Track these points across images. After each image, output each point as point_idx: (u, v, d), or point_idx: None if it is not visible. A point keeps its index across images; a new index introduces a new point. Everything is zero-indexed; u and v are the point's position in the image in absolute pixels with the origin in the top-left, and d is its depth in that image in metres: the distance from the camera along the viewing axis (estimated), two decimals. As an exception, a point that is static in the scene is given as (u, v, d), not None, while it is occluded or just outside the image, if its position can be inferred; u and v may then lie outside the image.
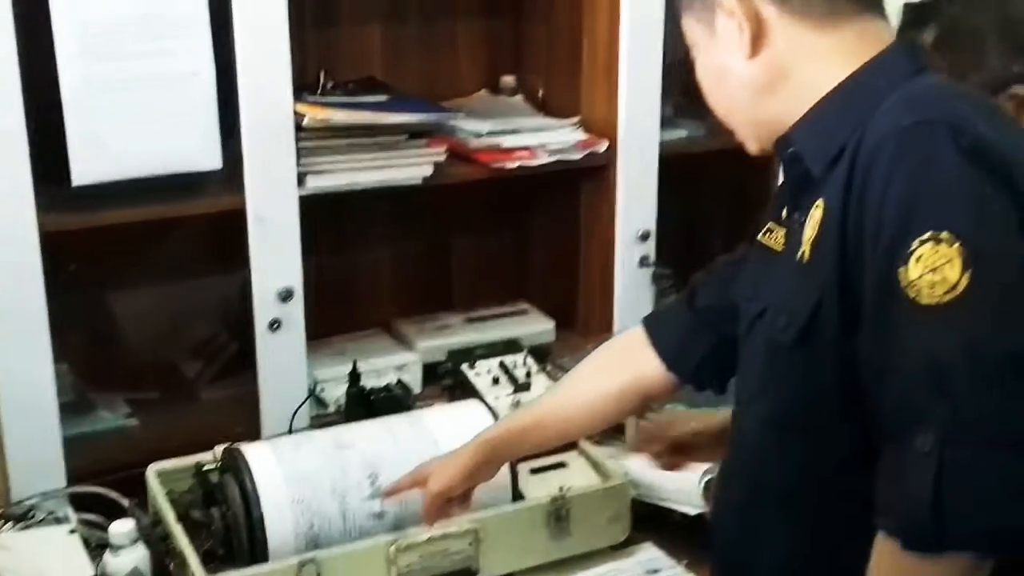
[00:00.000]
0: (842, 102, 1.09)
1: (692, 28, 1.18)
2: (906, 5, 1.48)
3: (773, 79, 1.11)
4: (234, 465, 1.43)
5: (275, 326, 1.80)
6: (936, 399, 0.94)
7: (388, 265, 2.28)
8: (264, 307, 1.79)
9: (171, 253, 1.96)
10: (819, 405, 1.09)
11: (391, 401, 1.66)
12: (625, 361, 1.42)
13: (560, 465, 1.65)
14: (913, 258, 0.95)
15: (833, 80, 1.09)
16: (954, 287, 0.94)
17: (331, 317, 2.07)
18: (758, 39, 1.10)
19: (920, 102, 1.02)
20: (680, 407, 1.69)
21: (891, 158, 0.98)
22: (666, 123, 2.13)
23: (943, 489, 0.93)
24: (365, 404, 1.68)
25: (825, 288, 1.05)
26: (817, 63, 1.10)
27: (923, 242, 0.95)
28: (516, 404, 1.68)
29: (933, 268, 0.94)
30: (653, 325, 1.42)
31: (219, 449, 1.55)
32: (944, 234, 0.94)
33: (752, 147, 1.22)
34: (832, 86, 1.09)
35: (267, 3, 1.68)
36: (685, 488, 1.58)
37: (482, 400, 1.62)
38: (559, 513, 1.51)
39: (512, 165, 1.96)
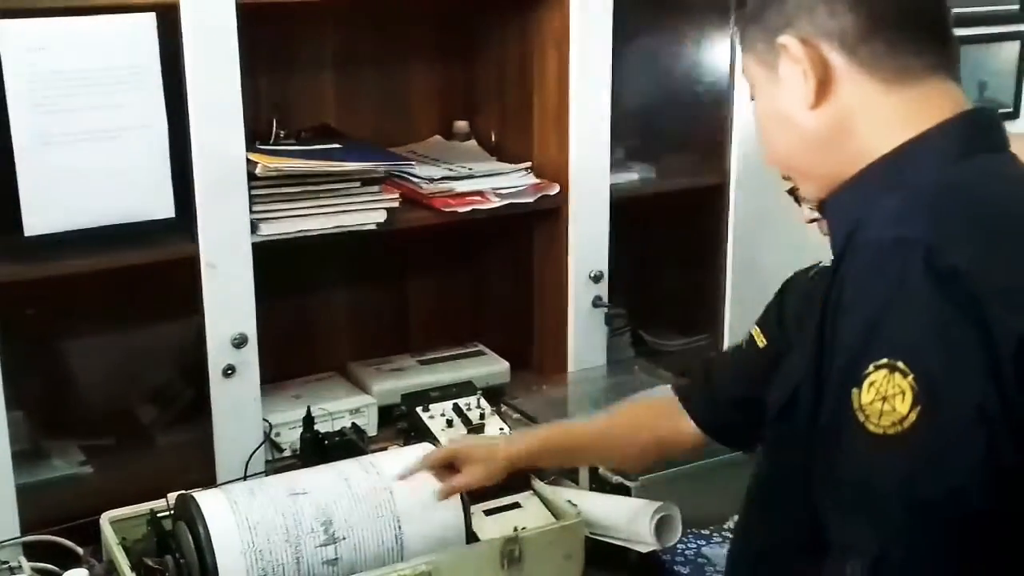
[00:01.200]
0: (873, 176, 1.03)
1: (753, 69, 1.12)
2: None
3: (833, 133, 1.05)
4: (187, 513, 1.43)
5: (229, 372, 1.81)
6: (869, 529, 0.92)
7: (344, 309, 2.29)
8: (218, 353, 1.80)
9: (125, 301, 1.96)
10: (788, 483, 1.08)
11: (346, 445, 1.67)
12: (661, 420, 1.59)
13: (514, 505, 1.66)
14: (867, 382, 0.91)
15: (888, 145, 1.02)
16: (902, 421, 0.89)
17: (286, 361, 2.09)
18: (823, 89, 1.04)
19: (915, 212, 0.96)
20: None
21: (867, 271, 0.95)
22: (617, 166, 2.18)
23: None
24: (320, 448, 1.69)
25: (806, 371, 1.02)
26: (878, 123, 1.03)
27: (878, 367, 0.90)
28: (472, 443, 1.69)
29: (884, 397, 0.90)
30: (684, 394, 1.59)
31: (172, 497, 1.55)
32: (900, 364, 0.89)
33: (811, 196, 1.16)
34: (884, 152, 1.02)
35: (219, 54, 1.71)
36: (637, 527, 1.60)
37: (436, 443, 1.63)
38: (513, 553, 1.53)
39: (464, 210, 1.99)
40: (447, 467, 1.54)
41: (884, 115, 1.04)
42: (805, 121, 1.06)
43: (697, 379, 1.59)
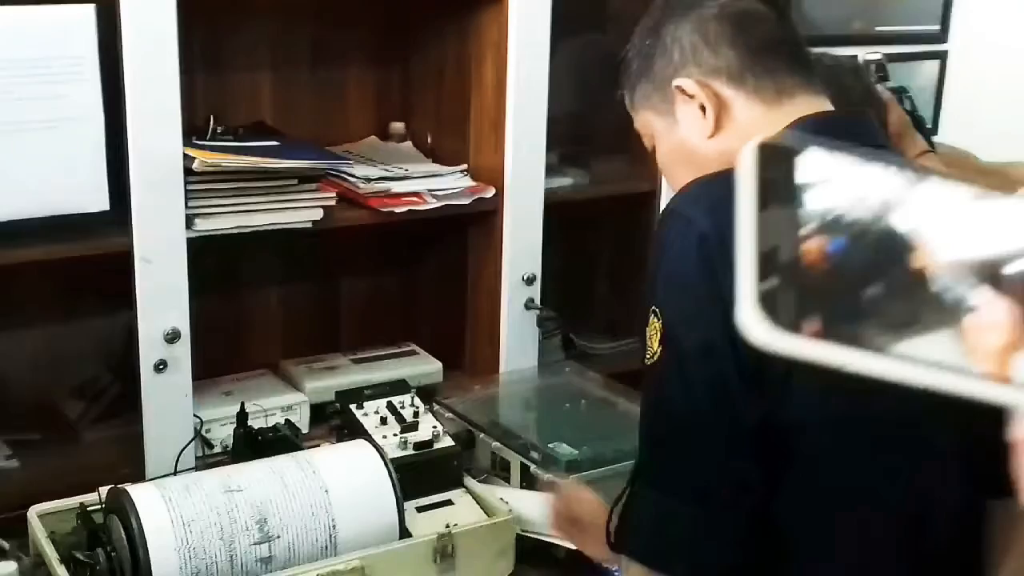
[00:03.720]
0: None
1: (650, 121, 1.24)
2: None
3: (731, 154, 1.14)
4: (120, 507, 1.42)
5: (161, 367, 1.80)
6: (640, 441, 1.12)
7: (277, 307, 2.29)
8: (150, 348, 1.79)
9: (54, 294, 1.94)
10: None
11: (280, 442, 1.68)
12: None
13: (447, 503, 1.69)
14: (647, 324, 1.09)
15: None
16: (655, 355, 1.07)
17: (218, 358, 2.08)
18: (720, 118, 1.17)
19: (692, 190, 1.11)
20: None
21: (654, 236, 1.13)
22: (551, 171, 2.20)
23: (622, 512, 1.13)
24: (253, 445, 1.69)
25: None
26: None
27: (651, 312, 1.08)
28: (404, 443, 1.71)
29: (651, 336, 1.08)
30: None
31: (104, 490, 1.54)
32: (657, 310, 1.07)
33: None
34: None
35: (158, 48, 1.70)
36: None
37: (369, 440, 1.64)
38: (445, 549, 1.55)
39: (401, 210, 2.01)
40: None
41: (767, 131, 1.12)
42: (706, 150, 1.19)
43: None
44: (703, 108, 1.17)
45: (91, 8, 1.65)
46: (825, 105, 1.18)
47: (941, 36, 3.19)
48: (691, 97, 1.18)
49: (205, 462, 1.84)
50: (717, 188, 1.11)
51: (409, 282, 2.41)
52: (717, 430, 1.04)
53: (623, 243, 2.49)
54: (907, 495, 1.09)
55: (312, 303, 2.33)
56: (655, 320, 1.07)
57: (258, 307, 2.27)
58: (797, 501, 1.06)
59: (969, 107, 3.09)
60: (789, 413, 1.03)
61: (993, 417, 1.08)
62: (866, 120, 1.21)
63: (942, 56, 3.17)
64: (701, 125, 1.18)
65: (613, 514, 1.15)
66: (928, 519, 1.10)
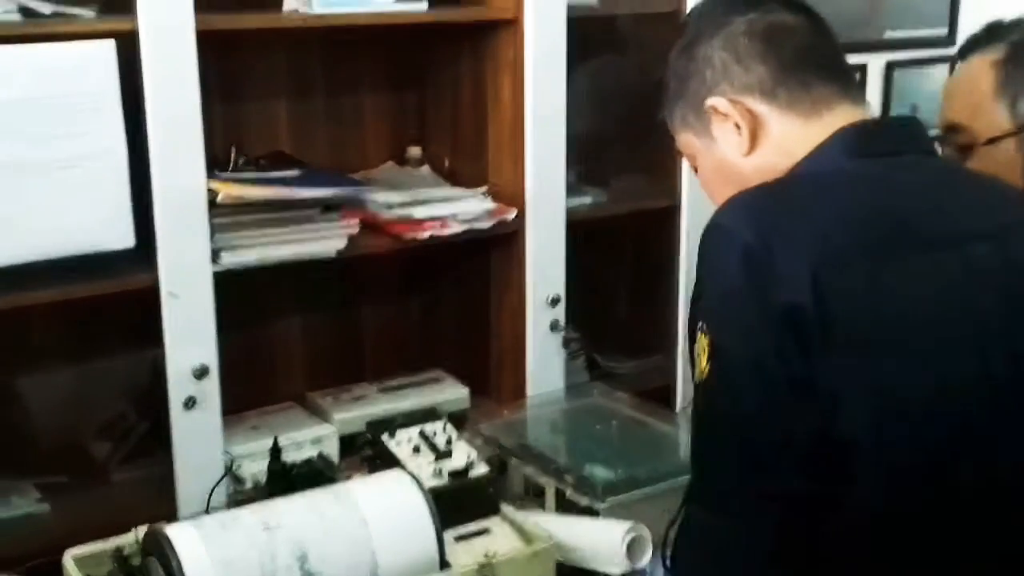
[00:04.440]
0: None
1: (690, 141, 1.25)
2: (989, 23, 1.52)
3: (769, 168, 1.16)
4: (158, 548, 1.40)
5: (190, 404, 1.78)
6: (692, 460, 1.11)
7: (299, 338, 2.27)
8: (179, 385, 1.77)
9: (80, 333, 1.93)
10: None
11: (314, 475, 1.66)
12: None
13: (484, 531, 1.66)
14: (695, 341, 1.07)
15: None
16: (704, 372, 1.05)
17: (243, 392, 2.05)
18: (755, 134, 1.17)
19: (736, 204, 1.09)
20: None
21: (699, 251, 1.11)
22: (570, 190, 2.19)
23: (678, 534, 1.12)
24: (287, 479, 1.67)
25: None
26: (803, 151, 1.15)
27: (700, 328, 1.06)
28: (438, 472, 1.69)
29: (700, 353, 1.06)
30: None
31: (139, 531, 1.52)
32: (705, 326, 1.05)
33: None
34: None
35: (178, 81, 1.70)
36: (608, 550, 1.60)
37: (405, 470, 1.62)
38: (487, 580, 1.52)
39: (424, 235, 1.99)
40: None
41: (805, 144, 1.16)
42: (745, 166, 1.19)
43: None
44: (738, 126, 1.17)
45: (111, 43, 1.64)
46: (866, 112, 1.17)
47: (949, 40, 3.18)
48: (725, 116, 1.17)
49: (236, 498, 1.81)
50: (759, 200, 1.10)
51: (431, 307, 2.40)
52: (769, 447, 1.02)
53: (643, 260, 2.47)
54: (968, 507, 1.06)
55: (335, 332, 2.31)
56: (703, 337, 1.05)
57: (281, 338, 2.25)
58: (856, 519, 1.04)
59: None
60: (842, 427, 1.01)
61: None
62: (908, 124, 1.19)
63: (951, 61, 3.17)
64: (737, 142, 1.18)
65: (668, 536, 1.13)
66: (991, 529, 1.07)
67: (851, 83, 1.19)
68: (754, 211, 1.07)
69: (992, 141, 1.32)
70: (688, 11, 1.27)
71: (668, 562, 1.14)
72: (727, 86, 1.18)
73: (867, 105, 1.19)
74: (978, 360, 1.05)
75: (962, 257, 1.07)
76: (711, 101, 1.18)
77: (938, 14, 3.11)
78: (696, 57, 1.20)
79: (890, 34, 3.04)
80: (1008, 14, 2.16)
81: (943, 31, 3.16)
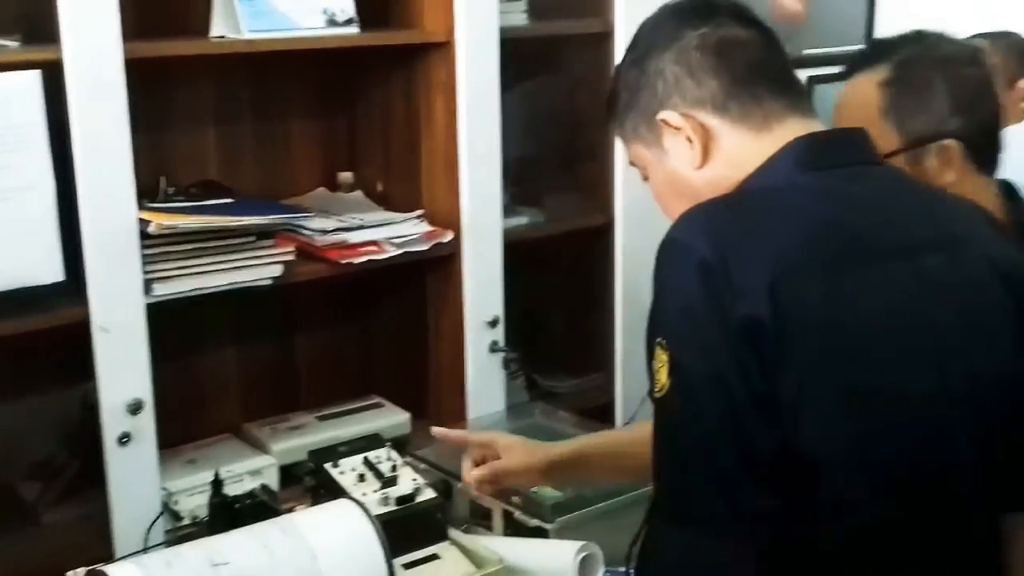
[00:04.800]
0: None
1: (641, 153, 1.24)
2: (872, 40, 1.53)
3: (720, 181, 1.16)
4: (100, 590, 1.35)
5: (125, 440, 1.74)
6: (654, 476, 1.10)
7: (232, 368, 2.23)
8: (113, 421, 1.73)
9: (4, 370, 1.86)
10: None
11: (257, 508, 1.61)
12: None
13: (433, 557, 1.64)
14: (654, 356, 1.07)
15: None
16: (663, 388, 1.05)
17: (177, 425, 2.01)
18: (707, 148, 1.17)
19: (691, 219, 1.10)
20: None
21: (656, 266, 1.09)
22: (505, 211, 2.19)
23: (642, 549, 1.12)
24: (230, 513, 1.63)
25: None
26: (754, 164, 1.16)
27: (658, 343, 1.06)
28: (385, 499, 1.66)
29: (658, 368, 1.06)
30: None
31: (77, 573, 1.47)
32: (663, 341, 1.05)
33: None
34: None
35: (107, 111, 1.66)
36: (561, 569, 1.59)
37: (351, 499, 1.59)
38: (439, 606, 1.50)
39: (361, 260, 1.98)
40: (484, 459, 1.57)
41: (757, 157, 1.16)
42: (697, 180, 1.19)
43: None
44: (689, 139, 1.17)
45: (36, 74, 1.60)
46: (815, 126, 1.18)
47: (867, 56, 3.26)
48: (677, 129, 1.17)
49: (176, 535, 1.77)
50: (714, 215, 1.10)
51: (366, 333, 2.37)
52: (732, 460, 1.02)
53: (579, 278, 2.48)
54: (927, 518, 1.08)
55: (268, 362, 2.28)
56: (661, 352, 1.05)
57: (213, 369, 2.21)
58: (820, 532, 1.04)
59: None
60: (803, 440, 1.02)
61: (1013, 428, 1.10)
62: (856, 137, 1.21)
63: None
64: (689, 156, 1.18)
65: (632, 551, 1.13)
66: (948, 541, 1.09)
67: (801, 97, 1.20)
68: (709, 226, 1.07)
69: (886, 157, 1.35)
70: (639, 24, 1.26)
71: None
72: (679, 99, 1.17)
73: (816, 118, 1.20)
74: (936, 374, 1.06)
75: (915, 268, 1.08)
76: (663, 115, 1.18)
77: (855, 32, 3.18)
78: (648, 70, 1.20)
79: (809, 51, 3.11)
80: (920, 25, 2.26)
81: (861, 47, 3.24)
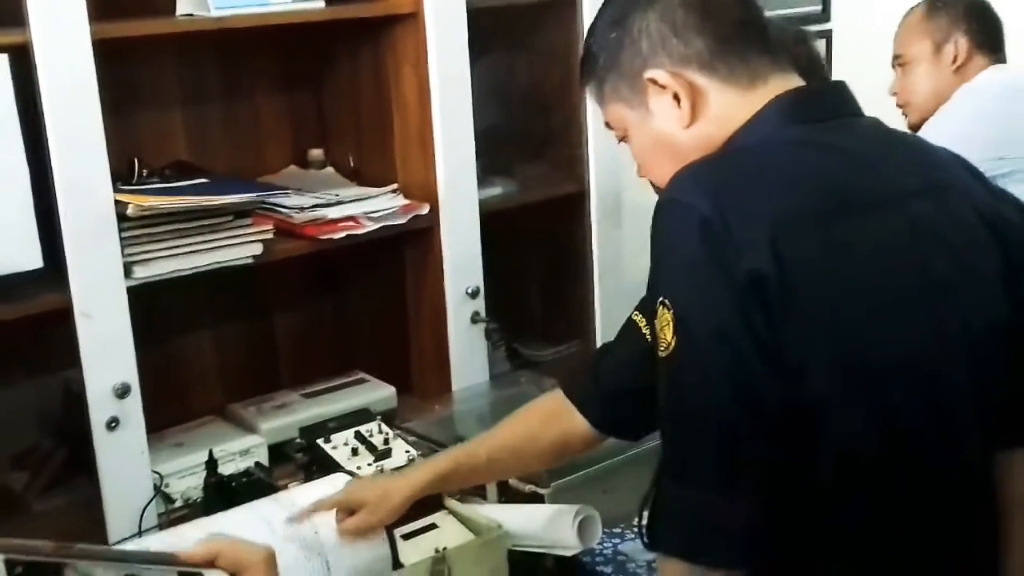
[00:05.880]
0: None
1: (621, 113, 1.22)
2: None
3: (708, 141, 1.16)
4: (102, 574, 1.35)
5: (113, 425, 1.72)
6: (663, 441, 1.10)
7: (212, 350, 2.22)
8: (100, 406, 1.71)
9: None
10: None
11: (254, 486, 1.62)
12: (554, 423, 1.54)
13: (431, 527, 1.64)
14: (657, 316, 1.07)
15: None
16: (668, 346, 1.05)
17: (160, 409, 1.99)
18: (696, 107, 1.16)
19: (686, 178, 1.10)
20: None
21: (654, 227, 1.09)
22: (479, 182, 2.18)
23: (652, 508, 1.11)
24: (226, 492, 1.63)
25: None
26: (741, 122, 1.16)
27: (660, 304, 1.06)
28: (379, 471, 1.67)
29: (662, 327, 1.06)
30: (573, 394, 1.53)
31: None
32: (666, 300, 1.05)
33: None
34: None
35: (78, 93, 1.64)
36: (560, 532, 1.61)
37: (350, 473, 1.60)
38: (441, 573, 1.51)
39: (339, 236, 1.97)
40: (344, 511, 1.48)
41: (743, 114, 1.16)
42: (684, 139, 1.18)
43: (585, 376, 1.57)
44: (676, 98, 1.16)
45: (4, 58, 1.57)
46: (797, 81, 1.19)
47: (823, 16, 3.29)
48: (664, 88, 1.17)
49: (169, 518, 1.76)
50: (709, 173, 1.11)
51: (345, 310, 2.36)
52: (739, 415, 1.03)
53: (554, 247, 2.49)
54: (929, 461, 1.10)
55: (247, 342, 2.26)
56: (665, 311, 1.05)
57: (193, 352, 2.19)
58: (826, 482, 1.06)
59: (858, 82, 3.19)
60: (808, 392, 1.03)
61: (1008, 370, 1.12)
62: (837, 89, 1.21)
63: (827, 35, 3.27)
64: (676, 115, 1.17)
65: (643, 512, 1.13)
66: (949, 481, 1.11)
67: (782, 55, 1.20)
68: (706, 184, 1.08)
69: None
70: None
71: (645, 539, 1.13)
72: (665, 58, 1.16)
73: (796, 74, 1.20)
74: (935, 322, 1.08)
75: (907, 216, 1.09)
76: (650, 73, 1.16)
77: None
78: (630, 28, 1.18)
79: (768, 13, 3.12)
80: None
81: (817, 7, 3.27)
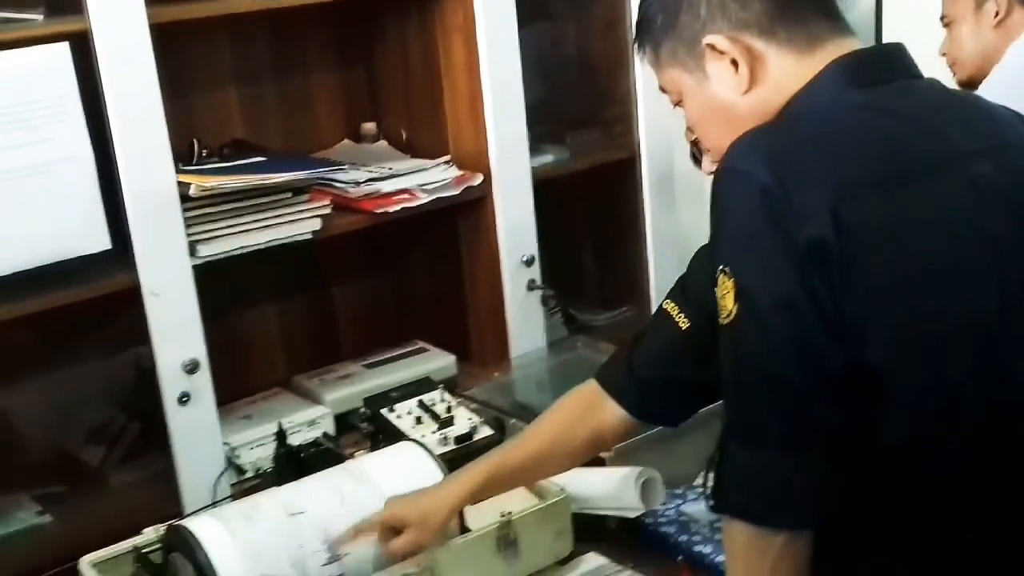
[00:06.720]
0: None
1: (677, 78, 1.21)
2: None
3: (766, 107, 1.15)
4: (183, 543, 1.40)
5: (184, 400, 1.78)
6: (726, 407, 1.11)
7: (275, 324, 2.26)
8: (171, 382, 1.76)
9: (59, 340, 1.90)
10: None
11: (323, 455, 1.66)
12: (585, 420, 1.51)
13: (495, 492, 1.68)
14: (717, 284, 1.08)
15: None
16: (730, 314, 1.06)
17: (226, 383, 2.04)
18: (754, 72, 1.15)
19: (746, 145, 1.09)
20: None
21: (714, 197, 1.09)
22: (531, 151, 2.19)
23: (717, 472, 1.12)
24: (296, 463, 1.67)
25: None
26: (798, 87, 1.14)
27: (721, 272, 1.06)
28: (444, 439, 1.70)
29: (723, 295, 1.06)
30: (609, 384, 1.50)
31: (152, 530, 1.51)
32: (727, 268, 1.06)
33: None
34: None
35: (137, 78, 1.68)
36: (623, 494, 1.63)
37: (413, 440, 1.63)
38: (508, 538, 1.54)
39: (395, 209, 1.99)
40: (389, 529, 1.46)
41: (800, 80, 1.15)
42: (741, 106, 1.16)
43: (618, 366, 1.54)
44: (735, 63, 1.15)
45: (65, 46, 1.61)
46: (855, 44, 1.17)
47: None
48: (722, 53, 1.15)
49: (241, 488, 1.81)
50: (768, 141, 1.10)
51: (402, 280, 2.40)
52: (802, 381, 1.04)
53: (606, 213, 2.50)
54: (990, 422, 1.09)
55: (308, 314, 2.31)
56: (726, 279, 1.06)
57: (257, 326, 2.24)
58: (889, 445, 1.07)
59: (910, 38, 3.13)
60: (870, 358, 1.03)
61: None
62: (895, 51, 1.20)
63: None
64: (734, 81, 1.16)
65: (709, 474, 1.15)
66: (1012, 443, 1.11)
67: (840, 17, 1.18)
68: (765, 152, 1.07)
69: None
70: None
71: (711, 501, 1.15)
72: (724, 22, 1.15)
73: (854, 36, 1.18)
74: (996, 285, 1.07)
75: (969, 178, 1.08)
76: (709, 39, 1.15)
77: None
78: None
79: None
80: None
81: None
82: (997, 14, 2.20)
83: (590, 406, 1.52)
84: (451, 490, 1.46)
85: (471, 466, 1.52)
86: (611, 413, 1.50)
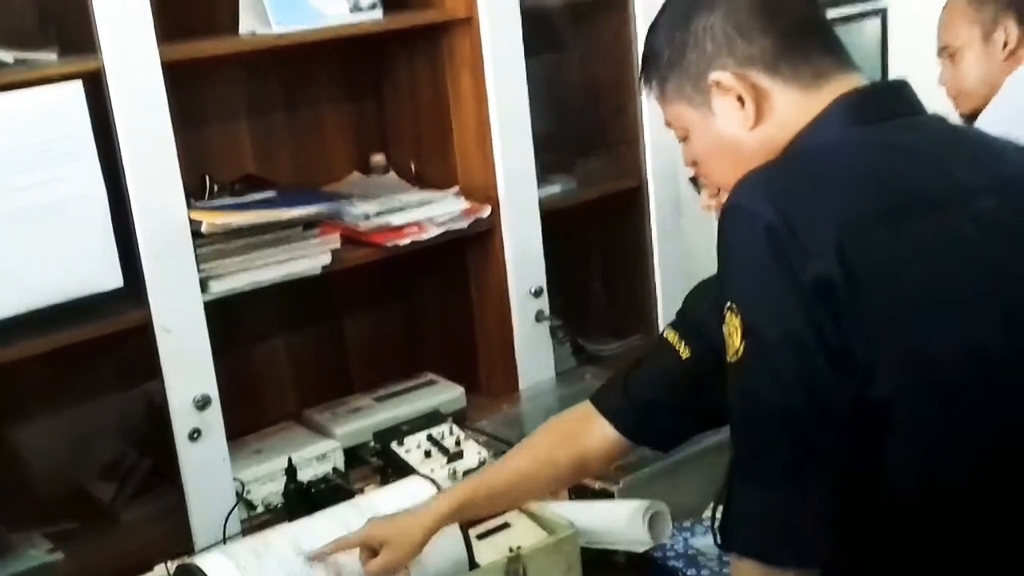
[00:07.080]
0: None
1: (684, 113, 1.22)
2: None
3: (772, 143, 1.16)
4: (193, 582, 1.40)
5: (195, 436, 1.78)
6: (733, 442, 1.11)
7: (285, 357, 2.27)
8: (182, 418, 1.77)
9: (70, 377, 1.91)
10: None
11: (333, 491, 1.66)
12: (570, 444, 1.53)
13: (504, 526, 1.68)
14: (724, 322, 1.08)
15: None
16: (738, 352, 1.06)
17: (237, 416, 2.05)
18: (760, 109, 1.16)
19: (752, 182, 1.10)
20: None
21: (720, 233, 1.10)
22: (537, 181, 2.20)
23: (725, 509, 1.12)
24: (306, 498, 1.68)
25: None
26: (804, 123, 1.16)
27: (728, 309, 1.07)
28: (453, 473, 1.71)
29: (730, 334, 1.07)
30: (603, 406, 1.53)
31: (162, 568, 1.52)
32: (734, 306, 1.07)
33: None
34: None
35: (150, 116, 1.70)
36: (630, 529, 1.63)
37: (422, 475, 1.64)
38: (516, 573, 1.54)
39: (405, 242, 2.00)
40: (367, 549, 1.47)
41: (805, 116, 1.16)
42: (747, 142, 1.18)
43: (613, 390, 1.56)
44: (740, 100, 1.16)
45: (78, 84, 1.63)
46: (859, 80, 1.18)
47: (877, -5, 3.25)
48: (728, 90, 1.17)
49: (251, 524, 1.82)
50: (773, 178, 1.11)
51: (410, 313, 2.40)
52: (810, 417, 1.04)
53: (613, 242, 2.50)
54: (999, 456, 1.10)
55: (319, 348, 2.31)
56: (733, 317, 1.07)
57: (267, 360, 2.25)
58: (897, 480, 1.07)
59: (915, 62, 3.15)
60: (877, 394, 1.03)
61: None
62: (900, 88, 1.21)
63: (882, 13, 3.24)
64: (740, 117, 1.17)
65: (716, 511, 1.15)
66: (1021, 476, 1.11)
67: (843, 52, 1.19)
68: (770, 189, 1.08)
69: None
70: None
71: (719, 539, 1.15)
72: (730, 59, 1.16)
73: (859, 72, 1.19)
74: (1001, 319, 1.07)
75: (973, 213, 1.09)
76: (715, 76, 1.16)
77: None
78: (694, 28, 1.18)
79: (822, -5, 3.10)
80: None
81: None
82: (1006, 44, 2.18)
83: (576, 429, 1.54)
84: (430, 510, 1.48)
85: (451, 487, 1.54)
86: (599, 436, 1.52)
